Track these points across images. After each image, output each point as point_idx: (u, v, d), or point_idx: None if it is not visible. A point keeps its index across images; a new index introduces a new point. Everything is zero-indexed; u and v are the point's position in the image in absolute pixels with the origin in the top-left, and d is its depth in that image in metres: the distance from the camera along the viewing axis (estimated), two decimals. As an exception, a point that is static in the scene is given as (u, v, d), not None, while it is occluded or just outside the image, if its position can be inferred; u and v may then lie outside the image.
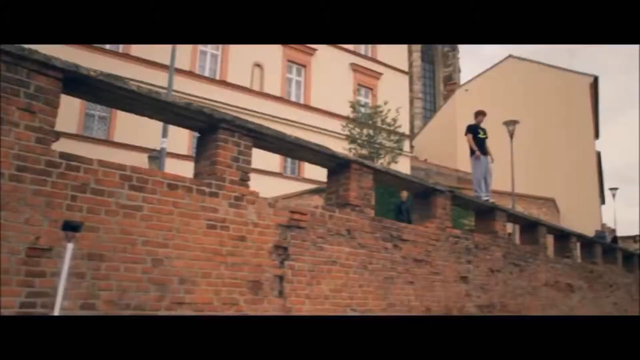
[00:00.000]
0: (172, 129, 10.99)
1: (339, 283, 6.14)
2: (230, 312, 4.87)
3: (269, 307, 5.29)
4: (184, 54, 19.57)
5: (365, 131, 18.12)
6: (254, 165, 5.30)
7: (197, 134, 5.38)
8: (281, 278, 5.47)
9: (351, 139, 17.82)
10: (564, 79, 34.31)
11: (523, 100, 29.63)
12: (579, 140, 33.34)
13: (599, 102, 36.93)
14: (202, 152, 5.22)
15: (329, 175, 6.62)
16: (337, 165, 6.44)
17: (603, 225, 22.42)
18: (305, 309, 5.70)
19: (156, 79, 17.32)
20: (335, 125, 20.53)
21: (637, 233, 22.76)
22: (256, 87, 23.33)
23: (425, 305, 7.55)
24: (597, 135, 37.75)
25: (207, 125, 5.12)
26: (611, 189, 29.25)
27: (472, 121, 10.85)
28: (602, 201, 37.81)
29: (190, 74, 21.10)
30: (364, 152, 17.49)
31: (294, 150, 5.92)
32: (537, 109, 31.35)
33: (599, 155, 37.58)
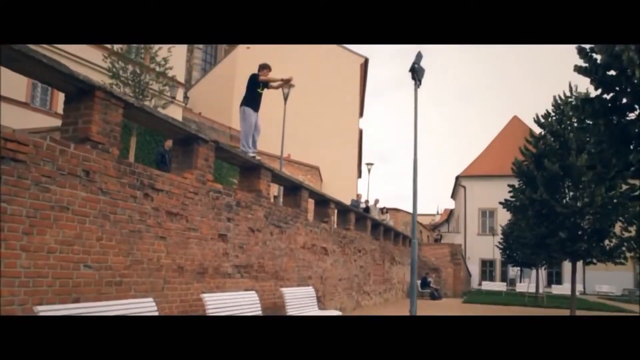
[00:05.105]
0: None
1: (71, 234, 5.07)
2: None
3: (-39, 260, 4.02)
4: None
5: (130, 67, 16.07)
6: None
7: None
8: (-16, 224, 4.20)
9: (113, 74, 15.61)
10: (339, 55, 36.21)
11: (300, 67, 30.27)
12: (346, 116, 35.78)
13: (366, 82, 40.06)
14: None
15: (67, 102, 5.35)
16: (77, 91, 5.23)
17: (358, 195, 24.25)
18: (21, 264, 4.52)
19: None
20: (98, 56, 17.73)
21: (384, 206, 25.22)
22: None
23: (178, 263, 6.86)
24: (361, 114, 41.09)
25: None
26: (367, 163, 31.88)
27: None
28: (360, 174, 41.45)
29: None
30: (128, 91, 15.55)
31: (16, 59, 4.54)
32: (312, 80, 32.49)
33: (360, 132, 40.95)
